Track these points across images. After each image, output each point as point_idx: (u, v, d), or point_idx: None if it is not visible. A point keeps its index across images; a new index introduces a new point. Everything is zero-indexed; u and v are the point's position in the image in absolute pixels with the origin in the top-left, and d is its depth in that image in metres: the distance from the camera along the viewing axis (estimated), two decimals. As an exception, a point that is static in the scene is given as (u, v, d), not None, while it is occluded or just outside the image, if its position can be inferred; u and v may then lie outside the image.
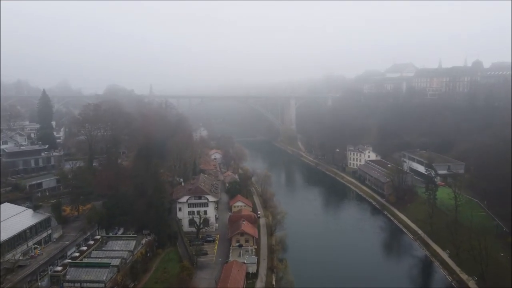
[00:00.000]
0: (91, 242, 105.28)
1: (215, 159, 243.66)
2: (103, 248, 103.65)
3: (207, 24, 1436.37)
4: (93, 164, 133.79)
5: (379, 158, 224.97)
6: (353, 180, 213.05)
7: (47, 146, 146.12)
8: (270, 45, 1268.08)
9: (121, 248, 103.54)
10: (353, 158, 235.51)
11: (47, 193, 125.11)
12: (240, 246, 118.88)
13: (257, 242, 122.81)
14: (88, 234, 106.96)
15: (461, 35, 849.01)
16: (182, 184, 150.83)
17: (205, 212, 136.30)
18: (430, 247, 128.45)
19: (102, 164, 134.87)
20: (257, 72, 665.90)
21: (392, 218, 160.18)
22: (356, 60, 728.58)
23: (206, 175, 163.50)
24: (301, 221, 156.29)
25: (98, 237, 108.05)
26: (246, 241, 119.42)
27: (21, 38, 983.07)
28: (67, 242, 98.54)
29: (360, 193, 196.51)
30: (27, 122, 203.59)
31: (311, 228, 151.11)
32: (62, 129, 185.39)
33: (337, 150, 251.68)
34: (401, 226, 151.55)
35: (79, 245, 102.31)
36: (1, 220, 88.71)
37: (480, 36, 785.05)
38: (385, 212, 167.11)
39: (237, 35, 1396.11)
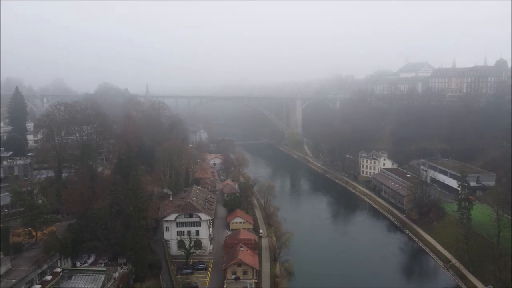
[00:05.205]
0: (49, 278, 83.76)
1: (214, 164, 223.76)
2: (63, 285, 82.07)
3: (210, 25, 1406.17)
4: (63, 175, 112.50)
5: (395, 166, 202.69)
6: (367, 191, 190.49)
7: (10, 153, 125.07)
8: (274, 46, 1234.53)
9: (86, 285, 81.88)
10: (366, 166, 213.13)
11: (6, 211, 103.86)
12: (237, 279, 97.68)
13: (258, 273, 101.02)
14: (46, 267, 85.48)
15: (473, 36, 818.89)
16: (171, 198, 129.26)
17: (197, 232, 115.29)
18: (468, 279, 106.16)
19: (74, 175, 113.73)
20: (261, 73, 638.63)
21: (416, 239, 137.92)
22: (366, 61, 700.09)
23: (200, 187, 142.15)
24: (310, 242, 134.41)
25: (59, 269, 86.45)
26: (244, 272, 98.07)
27: (18, 38, 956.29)
28: (13, 280, 77.01)
29: (375, 206, 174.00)
30: (1, 124, 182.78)
31: (321, 251, 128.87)
32: (40, 133, 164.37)
33: (348, 156, 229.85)
34: (427, 249, 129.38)
35: (31, 282, 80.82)
36: None
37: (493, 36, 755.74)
38: (406, 231, 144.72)
39: (240, 37, 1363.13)
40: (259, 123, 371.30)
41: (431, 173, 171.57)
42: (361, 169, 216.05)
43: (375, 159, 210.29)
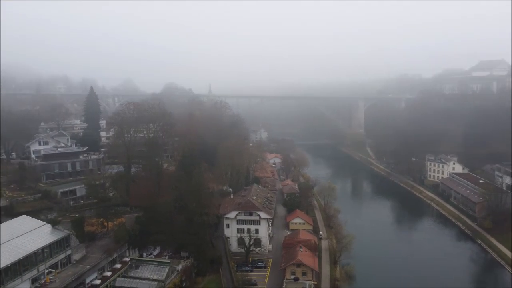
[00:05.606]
0: (118, 266, 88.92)
1: (274, 164, 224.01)
2: (131, 274, 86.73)
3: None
4: (132, 170, 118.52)
5: (466, 171, 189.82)
6: (434, 196, 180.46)
7: (86, 148, 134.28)
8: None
9: (151, 275, 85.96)
10: (434, 170, 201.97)
11: (82, 202, 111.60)
12: (296, 279, 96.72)
13: (317, 275, 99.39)
14: (116, 255, 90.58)
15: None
16: (231, 195, 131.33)
17: (257, 230, 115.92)
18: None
19: (142, 171, 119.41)
20: (319, 72, 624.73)
21: (489, 249, 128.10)
22: (433, 61, 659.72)
23: (260, 186, 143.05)
24: (372, 246, 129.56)
25: (127, 259, 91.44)
26: (304, 273, 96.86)
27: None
28: (87, 266, 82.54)
29: (443, 212, 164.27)
30: (78, 121, 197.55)
31: (384, 256, 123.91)
32: (112, 130, 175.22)
33: (413, 159, 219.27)
34: (502, 262, 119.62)
35: (102, 269, 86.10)
36: (10, 238, 74.87)
37: None
38: (478, 241, 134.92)
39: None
40: (318, 123, 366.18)
41: (508, 179, 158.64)
42: (428, 173, 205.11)
43: (443, 162, 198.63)
